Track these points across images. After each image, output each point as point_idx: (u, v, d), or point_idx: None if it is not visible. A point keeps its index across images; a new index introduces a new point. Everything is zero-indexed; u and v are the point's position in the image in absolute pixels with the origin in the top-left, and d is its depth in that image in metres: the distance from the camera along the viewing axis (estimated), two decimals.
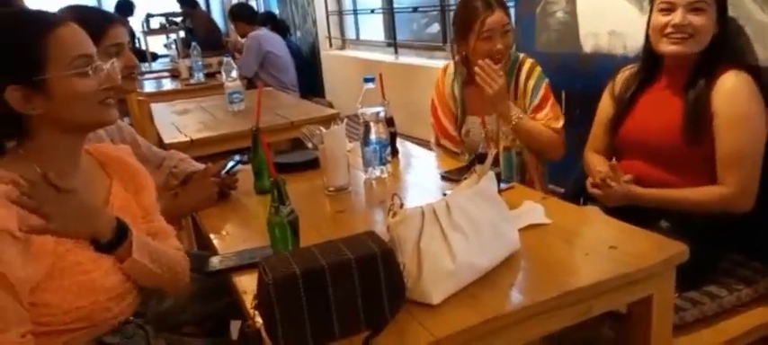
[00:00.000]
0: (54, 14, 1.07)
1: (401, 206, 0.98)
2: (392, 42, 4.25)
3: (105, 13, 1.64)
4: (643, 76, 1.66)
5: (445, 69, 2.11)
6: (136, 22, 7.22)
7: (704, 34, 1.49)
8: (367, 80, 1.73)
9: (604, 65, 2.07)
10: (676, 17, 1.48)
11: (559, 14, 2.26)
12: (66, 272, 0.98)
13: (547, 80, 1.90)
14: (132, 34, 6.19)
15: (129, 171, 1.21)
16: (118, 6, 7.44)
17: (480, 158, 1.32)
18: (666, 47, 1.52)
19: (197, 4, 7.86)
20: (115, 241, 1.05)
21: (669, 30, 1.50)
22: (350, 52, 5.05)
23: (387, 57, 4.29)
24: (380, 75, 1.81)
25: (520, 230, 1.19)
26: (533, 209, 1.32)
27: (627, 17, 1.99)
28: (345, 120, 1.69)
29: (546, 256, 1.17)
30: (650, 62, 1.63)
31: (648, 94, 1.65)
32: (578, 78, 2.19)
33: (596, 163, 1.75)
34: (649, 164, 1.61)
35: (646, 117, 1.63)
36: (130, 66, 1.57)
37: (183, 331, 1.42)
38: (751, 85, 1.46)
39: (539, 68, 1.91)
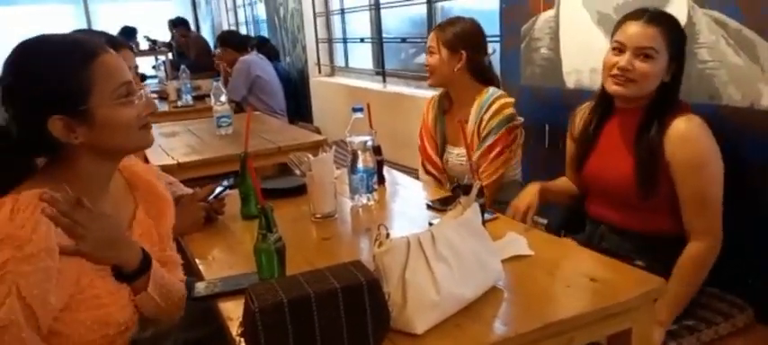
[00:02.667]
0: (94, 42, 1.07)
1: (387, 236, 1.00)
2: (380, 71, 4.30)
3: (112, 38, 1.66)
4: (600, 112, 1.68)
5: (431, 100, 2.17)
6: None
7: (648, 80, 1.50)
8: (356, 109, 1.76)
9: (587, 100, 2.12)
10: (622, 60, 1.51)
11: (543, 51, 2.32)
12: (83, 305, 0.98)
13: (508, 126, 1.93)
14: None
15: (154, 195, 1.22)
16: (122, 32, 7.48)
17: (465, 189, 1.34)
18: (610, 86, 1.56)
19: (189, 27, 7.93)
20: (138, 272, 1.07)
21: (615, 70, 1.53)
22: (338, 79, 5.10)
23: (375, 85, 4.34)
24: (368, 105, 1.84)
25: (503, 261, 1.21)
26: (516, 241, 1.35)
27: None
28: (333, 148, 1.71)
29: (528, 287, 1.19)
30: (604, 98, 1.66)
31: (605, 135, 1.67)
32: (562, 113, 2.23)
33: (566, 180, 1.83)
34: (612, 207, 1.66)
35: (603, 160, 1.66)
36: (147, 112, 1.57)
37: None
38: (702, 128, 1.49)
39: (508, 112, 1.93)
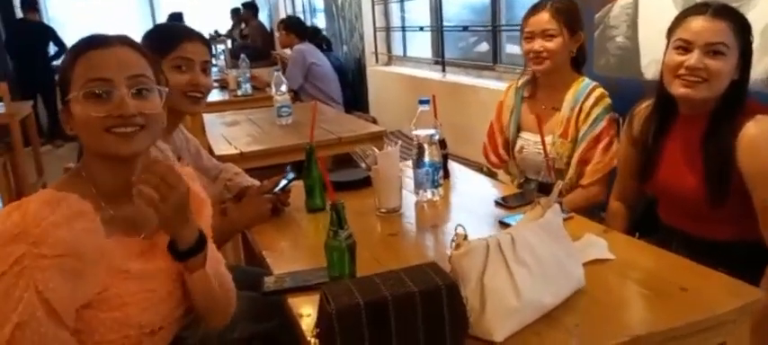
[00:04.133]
0: (107, 37, 1.04)
1: (465, 237, 0.95)
2: (439, 60, 4.22)
3: (188, 30, 1.65)
4: (660, 117, 1.55)
5: (511, 85, 2.10)
6: None
7: (720, 80, 1.38)
8: (422, 102, 1.70)
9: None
10: (692, 59, 1.38)
11: (619, 39, 2.20)
12: (104, 305, 0.97)
13: (610, 115, 1.84)
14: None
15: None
16: (170, 19, 7.69)
17: (542, 188, 1.28)
18: (678, 89, 1.43)
19: (258, 12, 8.06)
20: (195, 248, 1.04)
21: (682, 71, 1.40)
22: (396, 68, 5.05)
23: (434, 74, 4.27)
24: (434, 97, 1.79)
25: (583, 265, 1.14)
26: (596, 244, 1.27)
27: None
28: (399, 143, 1.67)
29: (611, 295, 1.12)
30: (664, 102, 1.53)
31: (670, 141, 1.55)
32: None
33: (613, 215, 1.72)
34: (684, 215, 1.54)
35: (670, 171, 1.54)
36: (194, 83, 1.56)
37: None
38: None
39: (608, 100, 1.85)
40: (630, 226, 1.76)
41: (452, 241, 0.97)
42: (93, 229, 0.95)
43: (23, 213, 0.89)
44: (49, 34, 6.90)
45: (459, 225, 0.96)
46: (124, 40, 1.04)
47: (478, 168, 2.24)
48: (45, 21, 8.35)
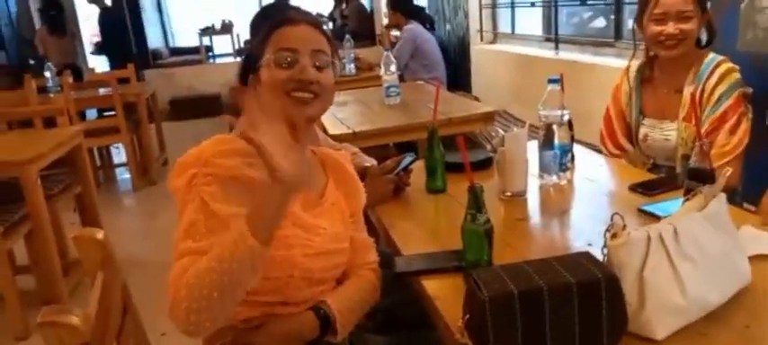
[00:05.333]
0: (296, 16, 1.17)
1: (623, 227, 0.88)
2: (551, 37, 4.04)
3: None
4: None
5: (627, 69, 1.95)
6: None
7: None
8: (551, 81, 1.62)
9: None
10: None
11: None
12: (272, 244, 0.99)
13: (740, 91, 1.66)
14: None
15: (344, 174, 1.26)
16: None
17: (698, 174, 1.17)
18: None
19: None
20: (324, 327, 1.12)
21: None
22: (501, 46, 4.90)
23: (545, 52, 4.09)
24: (562, 76, 1.70)
25: None
26: (758, 237, 1.15)
27: None
28: (527, 124, 1.60)
29: None
30: None
31: None
32: None
33: None
34: None
35: None
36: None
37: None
38: None
39: (736, 75, 1.67)
40: None
41: (607, 229, 0.90)
42: (256, 165, 0.99)
43: (200, 148, 1.04)
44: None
45: (617, 213, 0.89)
46: (310, 20, 1.17)
47: (600, 152, 2.11)
48: (164, 11, 8.95)
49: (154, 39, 8.70)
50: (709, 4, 1.75)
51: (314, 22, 1.18)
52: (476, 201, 1.07)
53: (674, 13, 1.70)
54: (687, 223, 0.92)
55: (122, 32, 7.06)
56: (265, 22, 1.40)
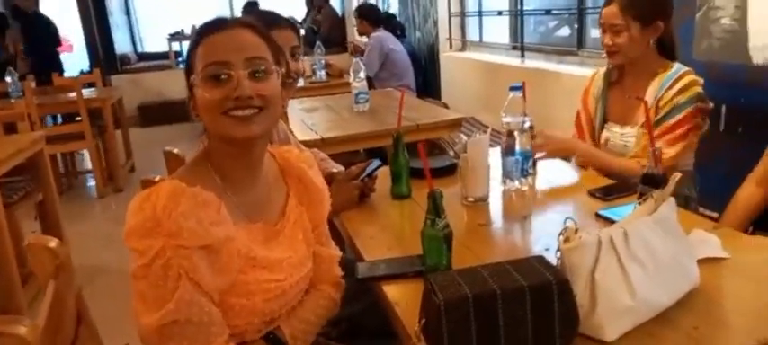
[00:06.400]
0: (225, 20, 1.04)
1: (576, 231, 0.91)
2: (517, 45, 4.10)
3: (275, 16, 1.68)
4: None
5: (596, 73, 2.00)
6: None
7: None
8: (513, 88, 1.65)
9: None
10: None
11: (725, 21, 2.05)
12: (233, 291, 0.99)
13: (699, 105, 1.70)
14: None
15: (305, 183, 1.18)
16: (245, 7, 7.87)
17: (651, 180, 1.20)
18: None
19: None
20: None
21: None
22: (470, 54, 4.96)
23: (511, 60, 4.15)
24: (524, 84, 1.73)
25: None
26: (707, 241, 1.19)
27: None
28: (489, 130, 1.62)
29: (730, 297, 1.04)
30: None
31: None
32: (744, 92, 1.98)
33: (745, 202, 1.59)
34: None
35: None
36: (285, 70, 1.58)
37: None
38: None
39: (697, 89, 1.71)
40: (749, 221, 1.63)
41: (561, 233, 0.92)
42: (219, 220, 0.95)
43: (153, 205, 0.91)
44: None
45: (569, 217, 0.92)
46: (242, 23, 1.03)
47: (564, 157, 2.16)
48: (132, 16, 8.78)
49: (122, 45, 8.55)
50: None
51: (247, 23, 1.03)
52: (435, 206, 1.08)
53: (608, 26, 1.77)
54: (637, 226, 0.95)
55: (45, 39, 6.57)
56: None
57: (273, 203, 1.13)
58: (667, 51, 1.79)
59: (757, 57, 1.94)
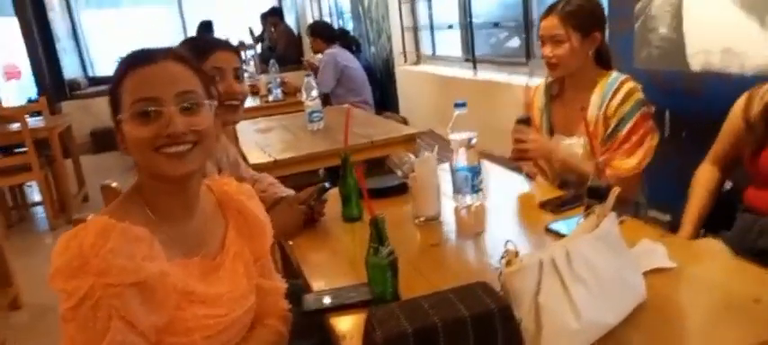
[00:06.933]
0: (153, 52, 0.99)
1: (516, 254, 0.89)
2: (470, 58, 4.14)
3: (215, 40, 1.65)
4: None
5: (537, 87, 2.01)
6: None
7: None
8: (458, 105, 1.64)
9: (717, 85, 1.90)
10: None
11: (662, 30, 2.10)
12: (170, 329, 0.95)
13: (644, 109, 1.72)
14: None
15: (244, 215, 1.14)
16: (200, 27, 7.76)
17: (596, 193, 1.20)
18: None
19: (282, 17, 8.08)
20: None
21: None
22: (425, 67, 4.98)
23: (464, 72, 4.19)
24: (466, 102, 1.72)
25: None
26: (654, 250, 1.19)
27: (744, 33, 1.81)
28: (436, 148, 1.61)
29: (678, 310, 1.04)
30: None
31: None
32: (684, 99, 2.02)
33: (705, 178, 1.61)
34: None
35: None
36: (230, 92, 1.54)
37: None
38: None
39: (639, 95, 1.73)
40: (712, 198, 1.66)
41: (502, 257, 0.91)
42: (152, 255, 0.92)
43: (80, 244, 0.87)
44: None
45: (509, 240, 0.90)
46: (171, 55, 0.99)
47: (515, 169, 2.16)
48: (81, 40, 8.54)
49: (71, 70, 8.29)
50: (606, 27, 1.81)
51: (177, 55, 1.00)
52: (378, 233, 1.06)
53: (548, 37, 1.77)
54: (578, 245, 0.94)
55: None
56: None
57: (211, 237, 1.09)
58: (603, 61, 1.82)
59: (694, 64, 1.99)
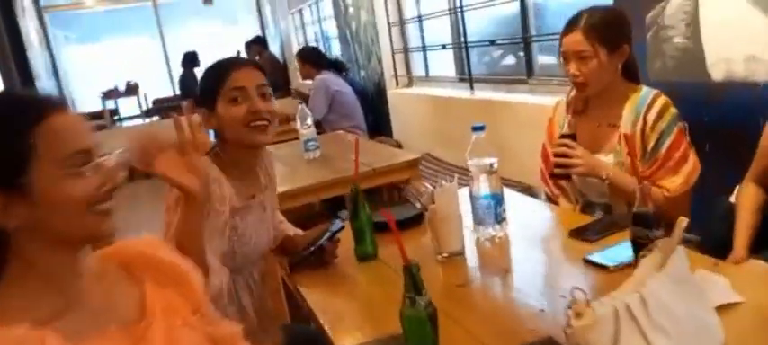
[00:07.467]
0: (46, 100, 0.85)
1: (587, 303, 0.76)
2: (465, 77, 4.04)
3: (228, 62, 1.51)
4: None
5: (558, 103, 1.89)
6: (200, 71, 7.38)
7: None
8: (476, 129, 1.52)
9: (741, 95, 1.80)
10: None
11: (677, 40, 2.01)
12: None
13: (680, 125, 1.62)
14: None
15: (157, 266, 0.99)
16: (185, 58, 7.65)
17: (643, 220, 1.08)
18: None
19: (266, 45, 8.00)
20: None
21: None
22: (417, 89, 4.89)
23: (460, 93, 4.09)
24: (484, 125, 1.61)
25: None
26: (715, 283, 1.06)
27: None
28: (456, 177, 1.48)
29: None
30: None
31: None
32: (706, 110, 1.93)
33: (748, 198, 1.50)
34: None
35: None
36: (253, 112, 1.39)
37: None
38: None
39: (673, 110, 1.62)
40: (717, 244, 1.54)
41: (569, 307, 0.78)
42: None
43: None
44: None
45: (578, 288, 0.77)
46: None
47: (522, 190, 2.05)
48: (59, 65, 8.37)
49: None
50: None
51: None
52: (413, 282, 0.92)
53: (572, 54, 1.64)
54: (653, 289, 0.81)
55: None
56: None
57: (126, 308, 0.93)
58: (631, 73, 1.71)
59: (716, 74, 1.90)
